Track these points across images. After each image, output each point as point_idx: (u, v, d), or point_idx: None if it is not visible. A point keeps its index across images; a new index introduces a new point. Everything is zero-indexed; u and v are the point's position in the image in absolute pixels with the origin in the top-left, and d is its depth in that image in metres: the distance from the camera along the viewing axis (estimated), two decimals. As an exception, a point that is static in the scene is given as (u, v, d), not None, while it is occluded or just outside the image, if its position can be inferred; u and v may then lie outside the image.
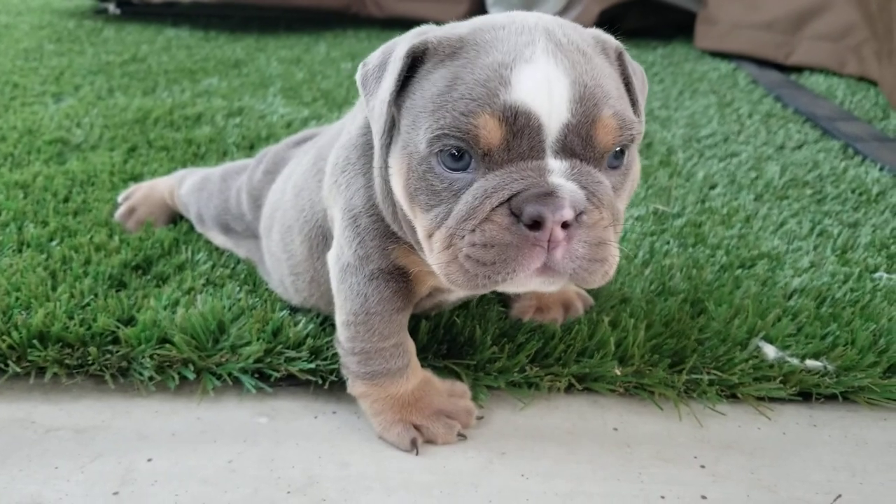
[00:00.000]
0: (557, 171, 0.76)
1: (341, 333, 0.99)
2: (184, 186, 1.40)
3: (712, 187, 1.69)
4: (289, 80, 2.55)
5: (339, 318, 0.99)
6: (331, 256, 1.01)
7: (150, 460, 0.94)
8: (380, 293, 0.95)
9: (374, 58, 0.88)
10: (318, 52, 3.04)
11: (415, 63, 0.83)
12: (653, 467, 0.95)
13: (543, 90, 0.75)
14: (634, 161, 0.85)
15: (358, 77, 0.89)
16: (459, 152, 0.78)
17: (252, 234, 1.28)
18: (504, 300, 1.21)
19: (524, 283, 0.78)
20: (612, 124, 0.77)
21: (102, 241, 1.31)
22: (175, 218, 1.46)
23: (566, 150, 0.77)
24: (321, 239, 1.06)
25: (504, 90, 0.75)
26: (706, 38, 3.14)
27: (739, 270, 1.31)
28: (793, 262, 1.35)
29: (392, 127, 0.85)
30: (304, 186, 1.09)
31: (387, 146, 0.87)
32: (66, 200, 1.50)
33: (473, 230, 0.76)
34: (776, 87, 2.56)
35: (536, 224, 0.74)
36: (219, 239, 1.35)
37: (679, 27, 3.41)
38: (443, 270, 0.80)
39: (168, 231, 1.38)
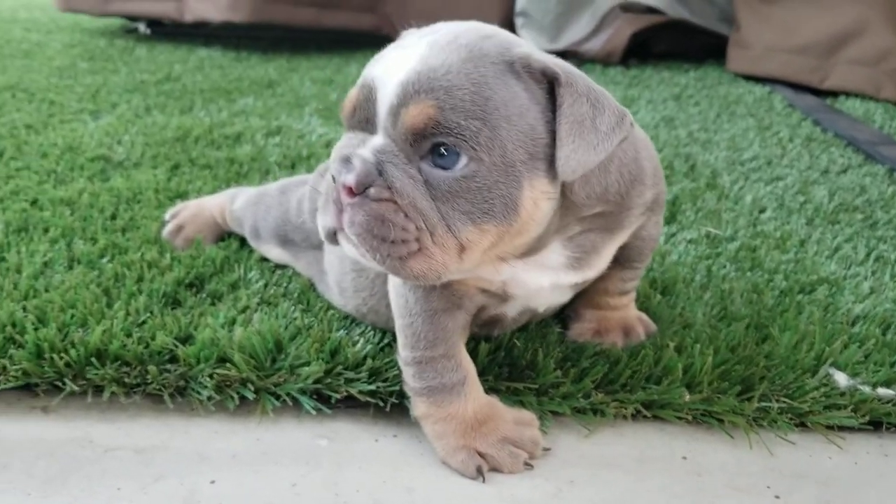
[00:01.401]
0: (372, 146, 0.82)
1: (398, 343, 1.00)
2: (237, 202, 1.40)
3: (762, 211, 1.67)
4: (323, 100, 2.55)
5: (396, 325, 1.00)
6: None
7: (213, 482, 0.92)
8: (415, 293, 0.96)
9: None
10: (350, 72, 3.05)
11: None
12: (725, 497, 0.93)
13: (389, 70, 0.82)
14: (493, 178, 0.80)
15: None
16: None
17: (311, 244, 1.27)
18: (564, 322, 1.19)
19: (343, 244, 0.86)
20: (422, 112, 0.79)
21: (154, 259, 1.30)
22: (223, 237, 1.45)
23: (387, 129, 0.82)
24: None
25: (370, 65, 0.86)
26: (739, 62, 3.13)
27: (800, 296, 1.29)
28: (852, 287, 1.33)
29: None
30: None
31: None
32: (113, 217, 1.49)
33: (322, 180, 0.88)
34: (813, 111, 2.55)
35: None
36: (274, 252, 1.34)
37: (710, 51, 3.41)
38: None
39: (219, 249, 1.37)
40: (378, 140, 0.82)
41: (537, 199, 0.84)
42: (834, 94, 2.83)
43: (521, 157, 0.82)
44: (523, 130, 0.81)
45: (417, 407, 0.98)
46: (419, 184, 0.81)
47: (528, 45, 0.88)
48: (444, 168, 0.80)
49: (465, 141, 0.79)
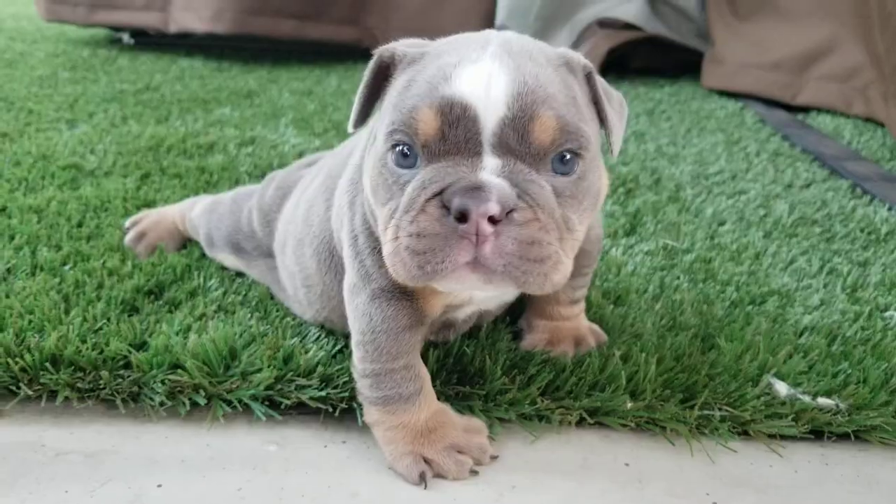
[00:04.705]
0: (490, 167, 0.79)
1: (354, 354, 1.00)
2: (195, 210, 1.42)
3: (721, 224, 1.70)
4: (300, 111, 2.58)
5: (353, 339, 1.00)
6: (345, 278, 1.02)
7: (159, 486, 0.93)
8: (382, 311, 0.96)
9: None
10: (330, 84, 3.07)
11: (389, 72, 0.90)
12: (664, 503, 0.95)
13: (482, 84, 0.79)
14: (592, 173, 0.86)
15: None
16: (407, 148, 0.82)
17: (262, 252, 1.30)
18: (515, 333, 1.21)
19: (460, 278, 0.80)
20: (550, 124, 0.80)
21: (115, 266, 1.32)
22: (185, 244, 1.47)
23: (503, 146, 0.79)
24: (328, 254, 1.09)
25: (444, 84, 0.80)
26: (713, 78, 3.17)
27: (750, 307, 1.32)
28: (803, 299, 1.35)
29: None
30: (313, 202, 1.13)
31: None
32: (79, 225, 1.51)
33: (411, 221, 0.79)
34: (783, 126, 2.58)
35: (463, 217, 0.76)
36: (229, 260, 1.37)
37: (686, 66, 3.45)
38: (389, 262, 0.83)
39: (180, 257, 1.39)
40: (493, 160, 0.79)
41: (605, 185, 0.93)
42: (806, 109, 2.87)
43: (598, 148, 0.88)
44: (594, 123, 0.88)
45: (370, 414, 1.00)
46: (551, 194, 0.81)
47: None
48: (564, 174, 0.83)
49: (581, 143, 0.82)
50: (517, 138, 0.79)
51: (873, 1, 2.54)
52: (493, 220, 0.76)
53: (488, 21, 3.51)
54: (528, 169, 0.80)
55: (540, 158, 0.81)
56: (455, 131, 0.79)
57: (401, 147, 0.83)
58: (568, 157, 0.82)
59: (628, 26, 3.35)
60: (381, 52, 0.90)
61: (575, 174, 0.83)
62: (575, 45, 3.35)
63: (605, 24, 3.36)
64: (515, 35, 0.89)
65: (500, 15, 3.46)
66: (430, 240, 0.78)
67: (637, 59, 3.49)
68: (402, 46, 0.90)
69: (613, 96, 0.94)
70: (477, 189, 0.76)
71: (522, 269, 0.78)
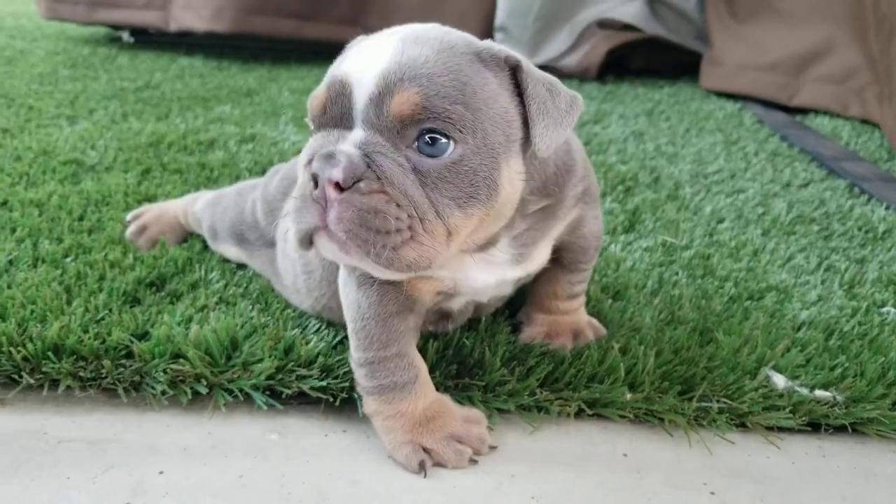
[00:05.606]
0: (353, 139, 0.82)
1: (350, 345, 1.01)
2: (198, 204, 1.44)
3: (720, 221, 1.71)
4: (300, 109, 2.58)
5: (348, 329, 1.01)
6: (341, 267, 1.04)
7: (161, 473, 0.94)
8: (369, 298, 0.98)
9: None
10: (329, 83, 3.07)
11: None
12: (662, 493, 0.95)
13: (363, 65, 0.83)
14: (476, 160, 0.84)
15: None
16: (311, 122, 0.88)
17: (265, 243, 1.31)
18: (514, 325, 1.22)
19: (322, 245, 0.84)
20: (410, 99, 0.80)
21: (117, 259, 1.33)
22: (186, 238, 1.48)
23: (368, 121, 0.82)
24: None
25: (337, 65, 0.87)
26: (711, 79, 3.18)
27: (748, 302, 1.32)
28: (801, 295, 1.36)
29: None
30: None
31: None
32: (80, 219, 1.51)
33: (298, 186, 0.86)
34: (782, 127, 2.59)
35: (317, 183, 0.81)
36: (232, 251, 1.38)
37: (685, 68, 3.46)
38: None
39: (182, 250, 1.40)
40: (358, 133, 0.82)
41: (513, 179, 0.89)
42: (804, 111, 2.88)
43: (500, 139, 0.86)
44: (499, 113, 0.86)
45: (368, 404, 1.01)
46: (408, 172, 0.82)
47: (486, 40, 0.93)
48: (432, 156, 0.82)
49: (453, 125, 0.82)
50: (376, 112, 0.82)
51: (869, 3, 2.56)
52: (339, 187, 0.80)
53: (488, 21, 3.52)
54: (386, 144, 0.82)
55: (399, 134, 0.82)
56: (333, 106, 0.84)
57: (310, 122, 0.88)
58: (441, 139, 0.82)
59: (628, 27, 3.36)
60: (349, 45, 0.94)
61: (445, 157, 0.83)
62: (574, 46, 3.36)
63: (604, 24, 3.37)
64: (435, 27, 0.90)
65: (500, 15, 3.47)
66: (299, 201, 0.83)
67: (636, 59, 3.50)
68: (360, 37, 0.93)
69: (561, 94, 0.91)
70: (329, 157, 0.80)
71: (363, 237, 0.80)
